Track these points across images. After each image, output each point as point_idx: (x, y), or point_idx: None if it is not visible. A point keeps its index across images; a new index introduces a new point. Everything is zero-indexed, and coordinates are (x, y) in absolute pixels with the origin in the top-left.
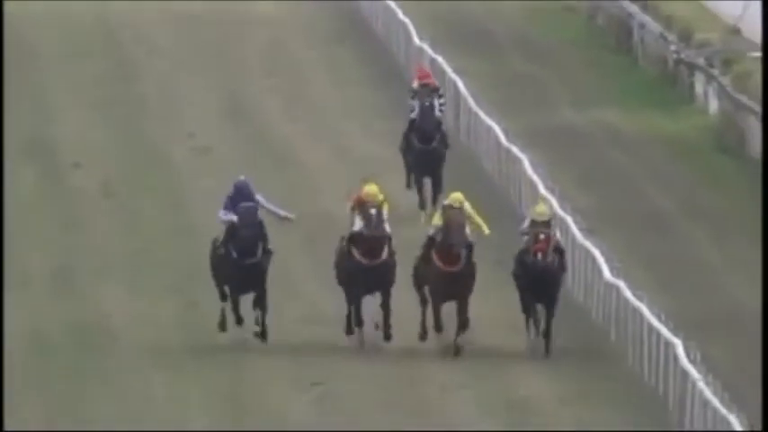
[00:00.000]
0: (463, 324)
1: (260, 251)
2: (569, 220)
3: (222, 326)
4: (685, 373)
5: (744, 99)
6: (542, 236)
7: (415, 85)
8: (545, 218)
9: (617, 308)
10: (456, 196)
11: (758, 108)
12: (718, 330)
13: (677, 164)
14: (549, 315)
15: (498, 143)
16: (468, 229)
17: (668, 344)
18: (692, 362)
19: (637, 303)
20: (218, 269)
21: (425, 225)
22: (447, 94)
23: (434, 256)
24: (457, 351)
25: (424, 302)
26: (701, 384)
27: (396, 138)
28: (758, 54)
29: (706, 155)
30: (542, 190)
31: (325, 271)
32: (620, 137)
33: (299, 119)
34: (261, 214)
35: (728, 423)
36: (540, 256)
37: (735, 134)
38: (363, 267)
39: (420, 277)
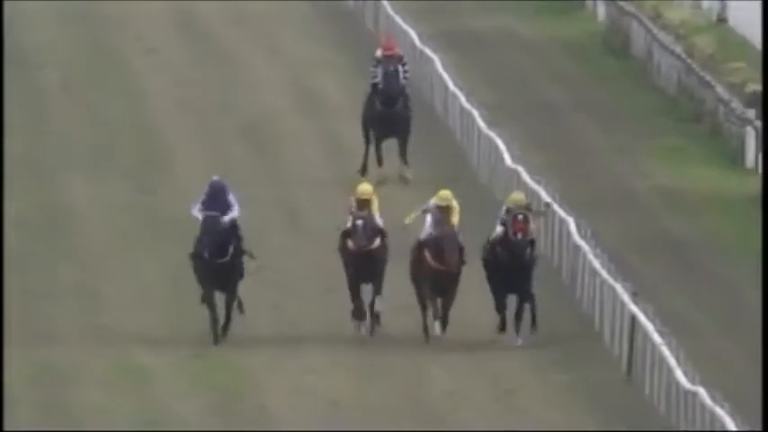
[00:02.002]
0: (444, 322)
1: (230, 252)
2: (475, 113)
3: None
4: (577, 247)
5: (627, 6)
6: (521, 216)
7: (379, 54)
8: (521, 203)
9: (517, 189)
10: (445, 195)
11: (640, 14)
12: (606, 209)
13: (569, 63)
14: (522, 302)
15: (413, 45)
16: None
17: (562, 221)
18: (583, 237)
19: (534, 186)
20: (194, 266)
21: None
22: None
23: (427, 255)
24: (443, 327)
25: (424, 308)
26: (591, 257)
27: (331, 43)
28: None
29: (595, 55)
30: (452, 87)
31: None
32: (520, 40)
33: (243, 26)
34: (234, 215)
35: (614, 290)
36: (520, 235)
37: (620, 37)
38: (355, 254)
39: (416, 280)
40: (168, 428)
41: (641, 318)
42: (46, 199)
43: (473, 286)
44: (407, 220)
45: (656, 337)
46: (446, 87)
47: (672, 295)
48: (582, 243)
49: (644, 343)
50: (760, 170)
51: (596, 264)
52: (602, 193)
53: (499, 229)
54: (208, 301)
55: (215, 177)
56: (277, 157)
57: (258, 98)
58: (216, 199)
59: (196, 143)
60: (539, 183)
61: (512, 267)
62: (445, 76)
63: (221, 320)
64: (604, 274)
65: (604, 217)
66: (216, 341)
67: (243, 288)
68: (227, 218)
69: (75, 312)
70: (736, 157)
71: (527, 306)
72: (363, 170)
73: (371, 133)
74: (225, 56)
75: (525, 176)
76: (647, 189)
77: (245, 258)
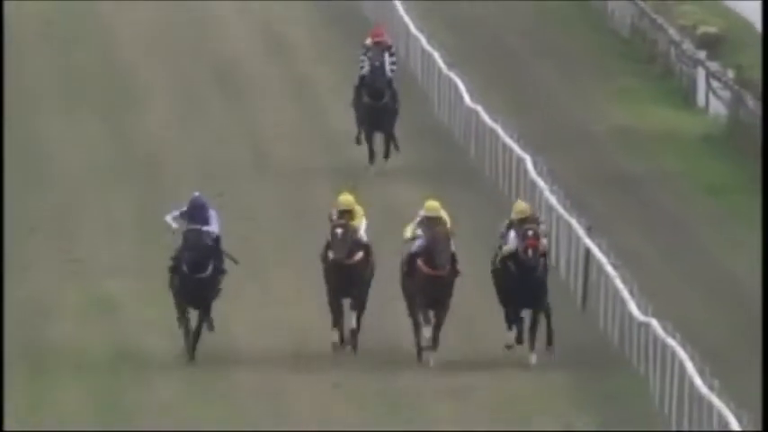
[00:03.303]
0: (436, 337)
1: (210, 268)
2: (436, 55)
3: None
4: (534, 184)
5: None
6: (531, 232)
7: (369, 41)
8: (526, 215)
9: (476, 128)
10: (432, 205)
11: None
12: (562, 148)
13: (527, 8)
14: (537, 316)
15: None
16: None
17: (519, 159)
18: (540, 174)
19: (493, 125)
20: (172, 280)
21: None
22: None
23: (420, 262)
24: (434, 345)
25: (417, 327)
26: (547, 193)
27: None
28: None
29: (552, 1)
30: (413, 30)
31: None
32: None
33: None
34: (217, 231)
35: (570, 225)
36: (530, 252)
37: None
38: (338, 266)
39: (407, 293)
40: (138, 358)
41: (595, 251)
42: (20, 137)
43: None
44: (408, 234)
45: (610, 270)
46: (408, 31)
47: (625, 230)
48: (538, 180)
49: (598, 276)
50: (710, 109)
51: (552, 200)
52: (558, 132)
53: (512, 243)
54: (180, 315)
55: (196, 193)
56: (245, 99)
57: (228, 42)
58: (196, 215)
59: (167, 84)
60: (496, 122)
61: (525, 282)
62: (406, 18)
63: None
64: (560, 209)
65: (560, 155)
66: (192, 357)
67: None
68: (211, 232)
69: (49, 245)
70: (688, 97)
71: (542, 321)
72: (371, 158)
73: (362, 132)
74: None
75: (484, 116)
76: (603, 128)
77: (227, 264)
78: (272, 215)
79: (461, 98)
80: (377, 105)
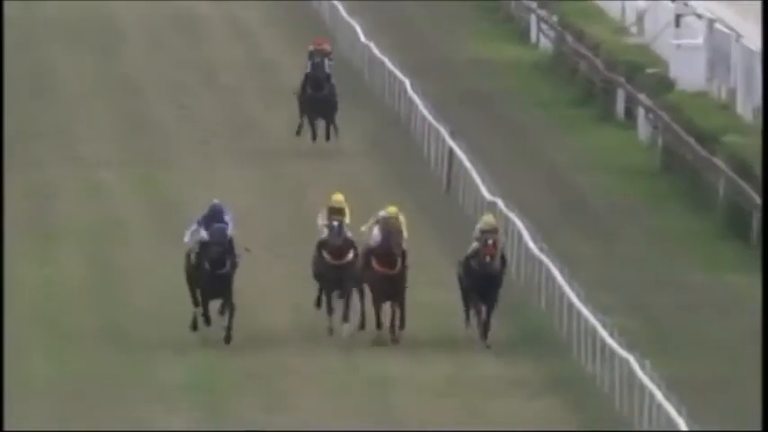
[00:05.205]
0: (402, 322)
1: (228, 264)
2: (339, 5)
3: (194, 326)
4: (411, 100)
5: None
6: (491, 241)
7: (311, 48)
8: (492, 227)
9: (369, 59)
10: (392, 210)
11: None
12: (432, 73)
13: None
14: (490, 310)
15: None
16: (404, 237)
17: (400, 82)
18: (415, 93)
19: (381, 56)
20: (192, 278)
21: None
22: None
23: (374, 261)
24: (395, 341)
25: (362, 297)
26: (421, 107)
27: None
28: None
29: None
30: None
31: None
32: None
33: None
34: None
35: (438, 130)
36: (488, 258)
37: None
38: (331, 266)
39: (361, 279)
40: (120, 230)
41: (456, 150)
42: (32, 61)
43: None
44: (363, 228)
45: (468, 163)
46: None
47: (478, 134)
48: (414, 97)
49: (459, 167)
50: (540, 45)
51: (425, 112)
52: (430, 61)
53: (474, 244)
54: (203, 307)
55: (215, 200)
56: (196, 30)
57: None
58: (215, 219)
59: (142, 28)
60: (384, 55)
61: (483, 281)
62: None
63: (211, 321)
64: (430, 118)
65: (431, 79)
66: (228, 340)
67: None
68: (228, 231)
69: (55, 145)
70: (523, 36)
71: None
72: (298, 131)
73: (305, 120)
74: None
75: (375, 50)
76: (462, 59)
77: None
78: (220, 126)
79: (358, 37)
80: (318, 96)
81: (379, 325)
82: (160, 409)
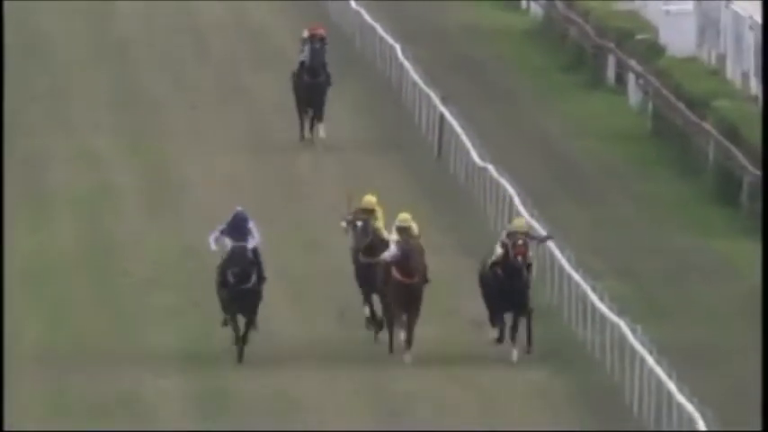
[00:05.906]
0: (408, 344)
1: (254, 278)
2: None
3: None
4: (401, 65)
5: None
6: (521, 241)
7: (306, 35)
8: (523, 229)
9: (360, 25)
10: (404, 217)
11: None
12: (423, 39)
13: None
14: (523, 316)
15: None
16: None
17: (391, 47)
18: (406, 58)
19: (372, 22)
20: (220, 292)
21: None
22: None
23: (395, 271)
24: (408, 345)
25: (391, 325)
26: (411, 72)
27: None
28: None
29: None
30: None
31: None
32: None
33: None
34: (256, 243)
35: (429, 96)
36: (520, 258)
37: None
38: (365, 264)
39: (384, 297)
40: (113, 197)
41: (447, 115)
42: (26, 28)
43: None
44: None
45: (459, 129)
46: None
47: (470, 100)
48: (405, 62)
49: (450, 134)
50: (531, 11)
51: (416, 77)
52: (420, 27)
53: (499, 250)
54: (233, 324)
55: (239, 208)
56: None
57: None
58: (239, 228)
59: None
60: (376, 21)
61: (510, 287)
62: None
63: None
64: (421, 84)
65: (422, 45)
66: (240, 359)
67: None
68: (250, 246)
69: (48, 110)
70: (515, 2)
71: (523, 321)
72: (302, 137)
73: (298, 103)
74: None
75: (366, 16)
76: (454, 25)
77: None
78: (208, 93)
79: (349, 2)
80: (314, 82)
81: (391, 350)
82: (150, 375)
